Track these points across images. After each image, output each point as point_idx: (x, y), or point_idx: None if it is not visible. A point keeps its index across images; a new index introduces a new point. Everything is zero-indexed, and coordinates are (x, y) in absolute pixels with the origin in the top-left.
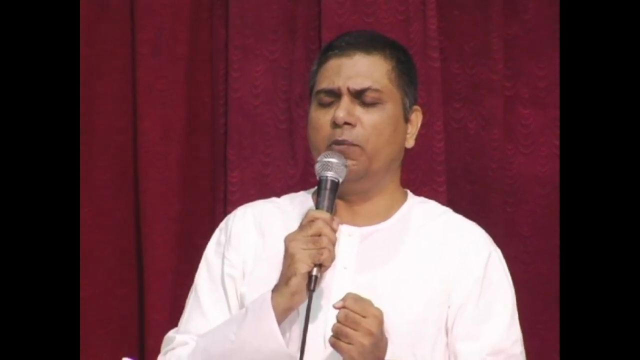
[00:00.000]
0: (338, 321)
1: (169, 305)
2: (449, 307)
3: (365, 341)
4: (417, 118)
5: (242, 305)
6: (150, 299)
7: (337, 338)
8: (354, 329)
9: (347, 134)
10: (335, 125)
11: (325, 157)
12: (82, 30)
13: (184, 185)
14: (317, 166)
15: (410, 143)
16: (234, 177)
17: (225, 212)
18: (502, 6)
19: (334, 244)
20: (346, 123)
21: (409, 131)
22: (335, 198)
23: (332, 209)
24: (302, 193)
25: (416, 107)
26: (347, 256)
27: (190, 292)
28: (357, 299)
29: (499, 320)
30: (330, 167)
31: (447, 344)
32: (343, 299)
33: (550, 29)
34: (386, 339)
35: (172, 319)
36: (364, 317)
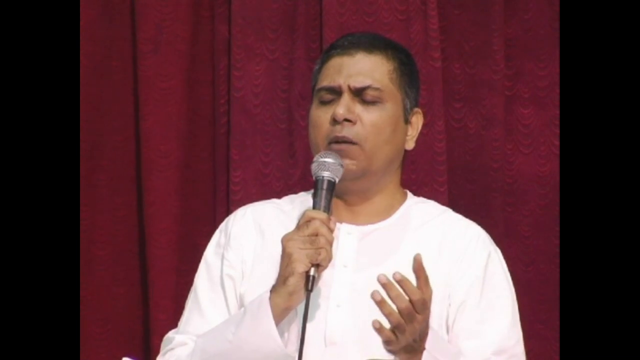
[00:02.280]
0: (398, 309)
1: (172, 305)
2: (449, 304)
3: (416, 335)
4: (417, 120)
5: (241, 305)
6: (154, 299)
7: (394, 327)
8: (410, 321)
9: (346, 131)
10: (334, 122)
11: (321, 157)
12: (82, 29)
13: (185, 185)
14: (313, 166)
15: (410, 145)
16: (237, 177)
17: (229, 212)
18: (502, 6)
19: (331, 244)
20: (346, 120)
21: (409, 133)
22: (332, 198)
23: (329, 209)
24: (302, 194)
25: (417, 109)
26: (346, 254)
27: (189, 293)
28: (422, 292)
29: (501, 320)
30: (326, 167)
31: (448, 341)
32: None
33: (550, 29)
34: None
35: (176, 318)
36: (418, 313)
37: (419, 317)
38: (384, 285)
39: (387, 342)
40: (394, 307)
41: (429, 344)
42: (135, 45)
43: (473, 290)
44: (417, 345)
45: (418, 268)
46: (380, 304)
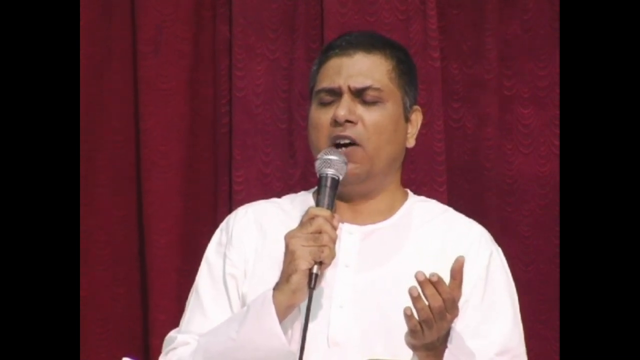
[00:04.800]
0: (430, 307)
1: (173, 306)
2: None
3: (441, 334)
4: (417, 118)
5: (243, 304)
6: (154, 299)
7: (422, 320)
8: (440, 319)
9: (349, 131)
10: (336, 123)
11: (326, 155)
12: (82, 29)
13: (186, 185)
14: (317, 163)
15: (411, 143)
16: (240, 177)
17: (231, 212)
18: (496, 5)
19: (334, 242)
20: (347, 121)
21: (409, 131)
22: (336, 195)
23: (332, 207)
24: (302, 193)
25: (416, 107)
26: (348, 254)
27: (191, 292)
28: (450, 291)
29: (504, 320)
30: (331, 164)
31: None
32: (433, 277)
33: (550, 29)
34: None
35: (176, 319)
36: (447, 312)
37: (448, 316)
38: (420, 283)
39: (412, 333)
40: (426, 303)
41: (451, 342)
42: (136, 46)
43: (476, 290)
44: (438, 344)
45: (457, 270)
46: (416, 299)
